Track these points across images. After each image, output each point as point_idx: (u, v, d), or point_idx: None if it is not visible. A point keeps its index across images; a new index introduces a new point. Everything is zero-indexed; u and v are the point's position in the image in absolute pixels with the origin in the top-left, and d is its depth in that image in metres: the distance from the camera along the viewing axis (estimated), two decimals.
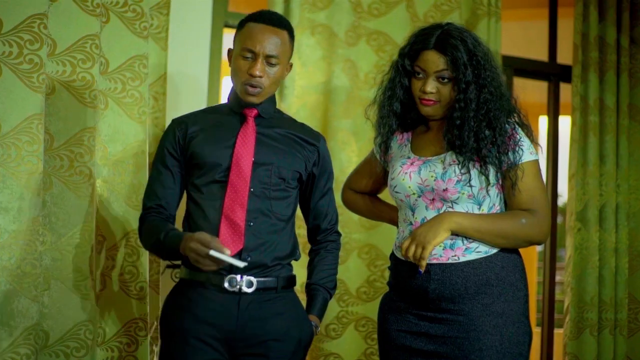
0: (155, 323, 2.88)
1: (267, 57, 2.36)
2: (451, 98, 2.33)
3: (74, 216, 2.62)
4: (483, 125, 2.29)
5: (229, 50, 2.45)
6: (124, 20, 2.85)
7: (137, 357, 2.80)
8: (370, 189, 2.65)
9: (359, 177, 2.66)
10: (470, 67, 2.29)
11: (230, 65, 2.43)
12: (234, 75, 2.41)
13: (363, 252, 3.46)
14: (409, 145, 2.44)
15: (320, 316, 2.47)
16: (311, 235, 2.57)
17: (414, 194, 2.34)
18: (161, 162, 2.44)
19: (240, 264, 2.16)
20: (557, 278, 4.36)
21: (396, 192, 2.38)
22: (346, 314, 3.42)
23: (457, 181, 2.29)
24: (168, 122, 2.55)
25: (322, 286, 2.50)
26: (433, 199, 2.32)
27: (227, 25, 3.46)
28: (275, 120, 2.47)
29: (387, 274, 2.55)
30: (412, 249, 2.25)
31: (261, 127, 2.42)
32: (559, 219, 4.73)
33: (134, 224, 2.80)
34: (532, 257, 6.24)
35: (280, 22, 2.41)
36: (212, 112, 2.51)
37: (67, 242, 2.61)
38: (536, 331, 4.27)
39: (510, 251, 2.33)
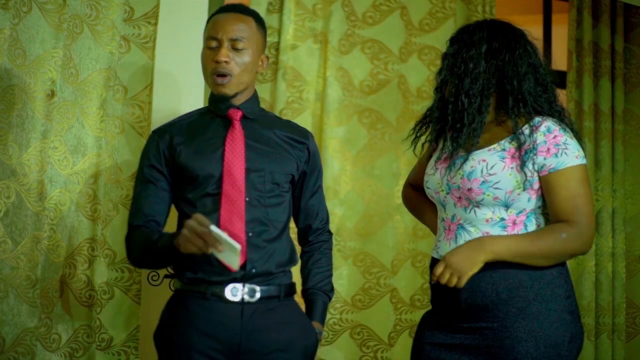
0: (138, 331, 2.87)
1: (232, 42, 2.23)
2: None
3: (28, 225, 2.62)
4: (492, 83, 2.27)
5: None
6: (94, 33, 2.84)
7: None
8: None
9: (415, 171, 2.60)
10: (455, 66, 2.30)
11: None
12: (204, 71, 2.27)
13: (358, 259, 3.43)
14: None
15: (323, 321, 2.39)
16: (302, 236, 2.46)
17: (442, 190, 2.29)
18: (145, 177, 2.30)
19: (237, 246, 1.99)
20: None
21: (427, 187, 2.34)
22: (340, 321, 3.41)
23: (483, 182, 2.20)
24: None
25: (321, 290, 2.41)
26: (460, 197, 2.25)
27: None
28: (261, 120, 2.35)
29: (382, 281, 2.51)
30: (447, 276, 2.16)
31: (248, 130, 2.30)
32: None
33: (87, 233, 2.80)
34: None
35: (244, 10, 2.30)
36: (194, 118, 2.36)
37: (21, 250, 2.62)
38: None
39: None
